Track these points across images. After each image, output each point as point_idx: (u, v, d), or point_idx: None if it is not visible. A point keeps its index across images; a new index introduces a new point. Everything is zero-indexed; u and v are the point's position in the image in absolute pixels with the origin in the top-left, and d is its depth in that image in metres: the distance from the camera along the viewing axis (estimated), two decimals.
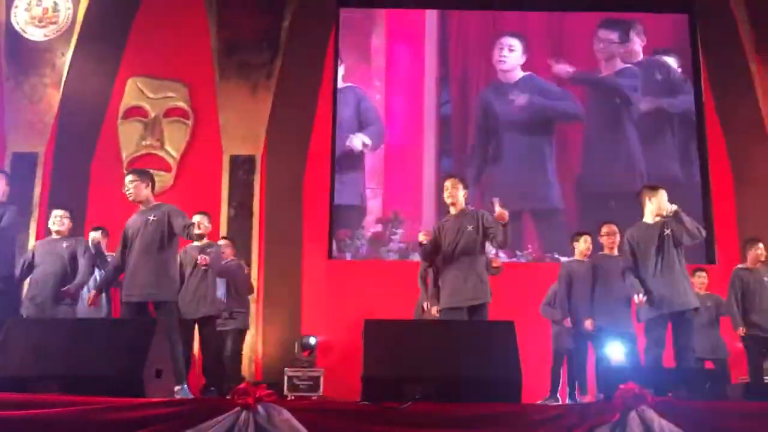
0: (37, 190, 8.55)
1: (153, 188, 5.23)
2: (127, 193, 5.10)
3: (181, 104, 9.18)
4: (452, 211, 5.26)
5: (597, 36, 9.54)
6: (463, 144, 9.34)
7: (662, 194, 5.17)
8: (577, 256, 6.52)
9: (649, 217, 5.19)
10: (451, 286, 5.03)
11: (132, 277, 4.95)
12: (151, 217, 5.01)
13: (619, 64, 9.45)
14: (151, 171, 8.70)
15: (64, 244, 5.86)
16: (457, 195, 5.21)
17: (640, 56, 9.52)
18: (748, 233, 8.19)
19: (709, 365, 6.70)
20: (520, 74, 9.41)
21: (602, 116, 9.33)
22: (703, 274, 7.13)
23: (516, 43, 9.44)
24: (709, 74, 9.40)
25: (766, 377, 6.41)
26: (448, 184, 5.24)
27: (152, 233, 4.98)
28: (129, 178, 5.14)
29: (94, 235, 6.26)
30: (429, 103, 9.40)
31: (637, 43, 9.52)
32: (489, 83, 9.46)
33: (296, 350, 8.05)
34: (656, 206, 5.13)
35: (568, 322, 6.29)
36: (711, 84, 9.37)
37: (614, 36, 9.52)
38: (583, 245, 6.49)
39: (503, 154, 9.20)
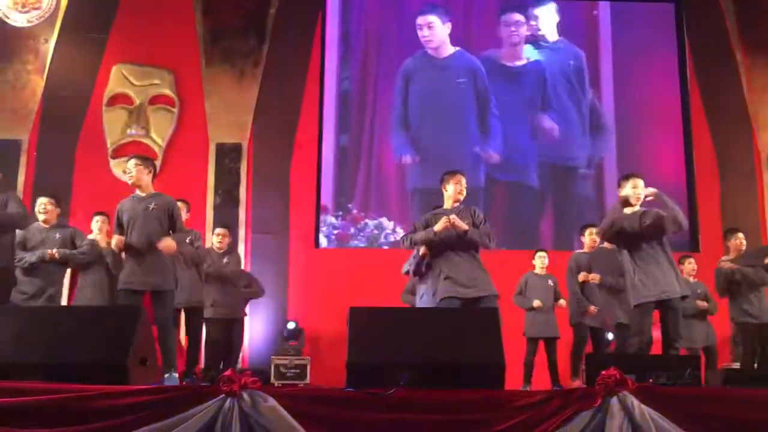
0: (21, 178, 8.50)
1: (153, 177, 5.20)
2: (128, 175, 5.07)
3: (167, 92, 9.11)
4: (449, 204, 5.12)
5: (505, 19, 9.57)
6: (362, 120, 9.33)
7: (639, 182, 5.16)
8: (585, 249, 6.60)
9: (634, 201, 5.20)
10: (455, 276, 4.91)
11: (132, 265, 4.91)
12: (151, 206, 4.97)
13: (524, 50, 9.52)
14: None
15: (57, 235, 5.78)
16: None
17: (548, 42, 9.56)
18: (732, 221, 8.28)
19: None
20: (450, 49, 9.40)
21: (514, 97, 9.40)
22: (692, 260, 7.14)
23: (435, 19, 9.38)
24: (694, 63, 9.44)
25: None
26: (463, 180, 5.12)
27: (153, 222, 4.95)
28: (132, 161, 5.10)
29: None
30: (330, 79, 9.37)
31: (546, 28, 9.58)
32: (415, 56, 9.42)
33: (280, 340, 8.07)
34: (633, 195, 5.13)
35: (592, 310, 6.35)
36: (696, 73, 9.42)
37: (521, 19, 9.55)
38: (587, 238, 6.56)
39: (428, 130, 9.22)
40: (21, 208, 5.31)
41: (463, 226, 4.87)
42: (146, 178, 5.08)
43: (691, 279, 6.97)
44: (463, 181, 5.12)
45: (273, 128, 9.01)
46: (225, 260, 6.82)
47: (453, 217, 4.87)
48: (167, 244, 4.88)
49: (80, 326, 3.72)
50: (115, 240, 4.92)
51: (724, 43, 9.26)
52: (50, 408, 3.14)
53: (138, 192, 5.09)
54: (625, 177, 5.27)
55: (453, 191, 5.08)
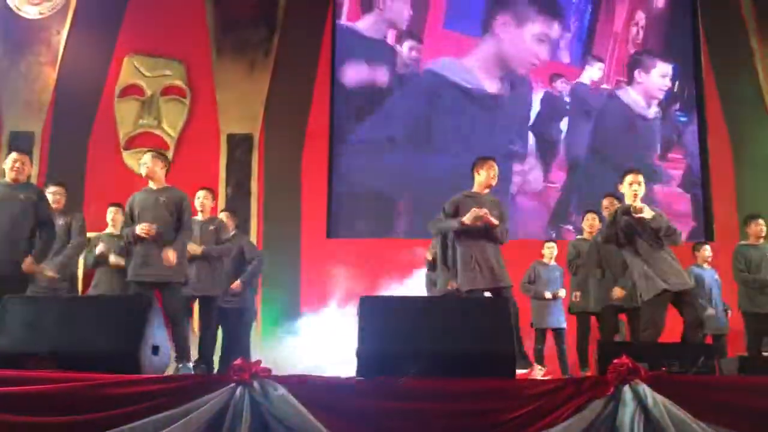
0: (35, 169, 8.53)
1: (167, 172, 5.26)
2: (142, 165, 5.17)
3: (178, 82, 9.13)
4: (480, 190, 5.07)
5: None
6: None
7: (633, 178, 5.05)
8: (585, 235, 6.52)
9: (630, 200, 5.08)
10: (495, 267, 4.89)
11: (143, 258, 4.94)
12: (162, 198, 5.04)
13: None
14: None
15: (61, 221, 5.81)
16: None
17: None
18: (747, 211, 8.19)
19: (708, 340, 6.73)
20: None
21: None
22: (707, 247, 7.06)
23: None
24: (709, 51, 9.33)
25: (765, 353, 6.43)
26: (495, 166, 5.07)
27: (164, 214, 5.01)
28: (148, 154, 5.24)
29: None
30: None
31: None
32: None
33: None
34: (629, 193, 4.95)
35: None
36: (711, 61, 9.31)
37: None
38: (586, 224, 6.47)
39: None
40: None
41: (494, 221, 4.81)
42: (159, 171, 5.16)
43: (706, 266, 6.93)
44: (496, 167, 5.09)
45: (284, 118, 9.01)
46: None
47: (485, 211, 4.80)
48: (167, 256, 4.91)
49: (93, 316, 3.73)
50: (145, 227, 4.91)
51: (739, 32, 9.14)
52: (63, 396, 3.16)
53: (150, 184, 5.17)
54: (627, 171, 5.11)
55: (486, 177, 5.04)
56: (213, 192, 6.31)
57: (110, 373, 3.30)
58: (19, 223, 4.82)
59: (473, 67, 9.29)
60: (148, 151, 5.37)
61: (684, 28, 9.50)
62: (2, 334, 3.56)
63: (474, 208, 4.81)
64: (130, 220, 5.09)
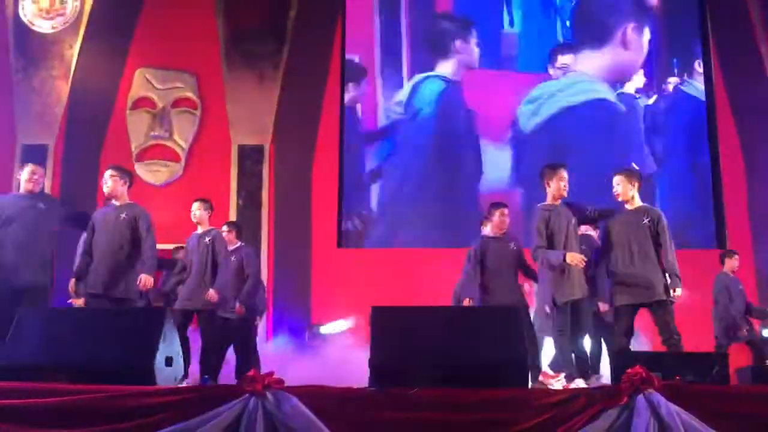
0: (48, 182, 8.59)
1: (129, 187, 5.35)
2: (104, 186, 5.25)
3: (189, 94, 9.21)
4: (551, 200, 4.97)
5: None
6: None
7: (613, 180, 5.00)
8: None
9: (628, 204, 4.95)
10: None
11: (96, 272, 5.07)
12: (122, 215, 5.15)
13: None
14: (161, 161, 8.94)
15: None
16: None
17: None
18: (760, 218, 8.17)
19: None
20: None
21: None
22: (736, 257, 6.96)
23: None
24: (720, 59, 9.31)
25: None
26: (565, 174, 4.94)
27: (122, 230, 5.13)
28: (109, 172, 5.29)
29: None
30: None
31: None
32: None
33: (306, 338, 8.09)
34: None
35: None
36: (722, 68, 9.28)
37: None
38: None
39: None
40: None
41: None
42: (121, 188, 5.26)
43: (731, 275, 6.86)
44: (566, 175, 4.92)
45: (295, 130, 9.04)
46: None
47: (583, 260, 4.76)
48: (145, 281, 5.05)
49: (107, 328, 3.76)
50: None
51: (749, 39, 9.11)
52: (77, 408, 3.17)
53: (114, 201, 5.28)
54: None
55: (556, 188, 4.90)
56: (209, 202, 6.14)
57: (124, 384, 3.32)
58: (39, 233, 5.04)
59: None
60: (109, 168, 5.38)
61: (693, 36, 9.49)
62: (19, 346, 3.59)
63: (575, 256, 4.70)
64: (91, 234, 5.19)
